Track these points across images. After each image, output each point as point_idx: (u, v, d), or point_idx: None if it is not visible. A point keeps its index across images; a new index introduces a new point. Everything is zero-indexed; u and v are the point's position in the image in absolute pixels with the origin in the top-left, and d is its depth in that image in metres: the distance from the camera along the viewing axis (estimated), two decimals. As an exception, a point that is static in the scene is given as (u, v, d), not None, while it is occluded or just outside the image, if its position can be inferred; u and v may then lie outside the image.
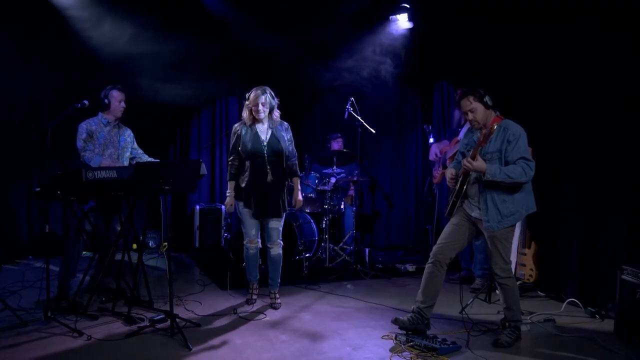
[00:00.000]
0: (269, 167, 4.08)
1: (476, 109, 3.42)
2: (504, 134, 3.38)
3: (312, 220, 5.87)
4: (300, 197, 4.37)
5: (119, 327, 3.64)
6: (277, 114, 4.18)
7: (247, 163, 4.12)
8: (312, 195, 5.96)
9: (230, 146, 4.23)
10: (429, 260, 3.57)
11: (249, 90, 4.13)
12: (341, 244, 6.05)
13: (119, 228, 4.24)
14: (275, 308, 4.19)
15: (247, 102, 4.10)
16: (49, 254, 3.77)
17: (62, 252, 4.15)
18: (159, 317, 3.62)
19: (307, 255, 5.54)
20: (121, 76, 5.24)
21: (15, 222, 6.04)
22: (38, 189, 3.61)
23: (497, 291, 3.63)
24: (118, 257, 4.15)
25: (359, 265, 5.61)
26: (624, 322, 3.58)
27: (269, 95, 4.07)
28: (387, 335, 3.55)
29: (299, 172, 4.34)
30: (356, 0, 5.90)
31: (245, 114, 4.14)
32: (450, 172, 3.60)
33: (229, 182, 4.23)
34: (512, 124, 3.42)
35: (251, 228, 4.18)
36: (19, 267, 5.49)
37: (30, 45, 5.96)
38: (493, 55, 5.31)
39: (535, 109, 4.74)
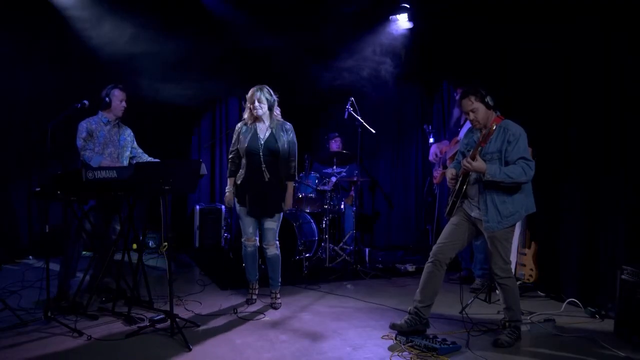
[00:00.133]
0: (264, 166, 4.09)
1: (477, 109, 3.42)
2: (504, 134, 3.38)
3: (312, 220, 5.87)
4: (290, 201, 4.25)
5: (119, 327, 3.64)
6: (277, 112, 4.19)
7: (244, 161, 4.16)
8: (312, 195, 5.96)
9: (232, 143, 4.27)
10: (429, 260, 3.57)
11: (248, 90, 4.15)
12: (341, 244, 6.05)
13: (118, 228, 4.25)
14: (275, 308, 4.19)
15: (246, 101, 4.15)
16: (49, 254, 3.76)
17: (62, 252, 4.15)
18: (159, 317, 3.62)
19: (307, 255, 5.54)
20: (121, 76, 5.23)
21: (15, 222, 6.04)
22: (38, 189, 3.61)
23: (497, 291, 3.63)
24: (118, 257, 4.15)
25: (359, 265, 5.61)
26: (624, 322, 3.58)
27: (265, 92, 4.09)
28: (387, 335, 3.55)
29: (295, 176, 4.26)
30: (356, 0, 5.90)
31: (246, 113, 4.17)
32: (450, 173, 3.60)
33: (228, 179, 4.29)
34: (512, 124, 3.42)
35: (248, 226, 4.19)
36: (19, 267, 5.49)
37: (30, 45, 5.96)
38: (493, 55, 5.31)
39: (535, 109, 4.74)
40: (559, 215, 4.61)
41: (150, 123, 6.21)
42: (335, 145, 6.64)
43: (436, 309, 3.68)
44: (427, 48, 6.52)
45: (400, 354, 3.25)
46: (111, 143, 4.27)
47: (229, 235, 6.70)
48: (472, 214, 3.50)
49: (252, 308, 4.17)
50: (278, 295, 4.30)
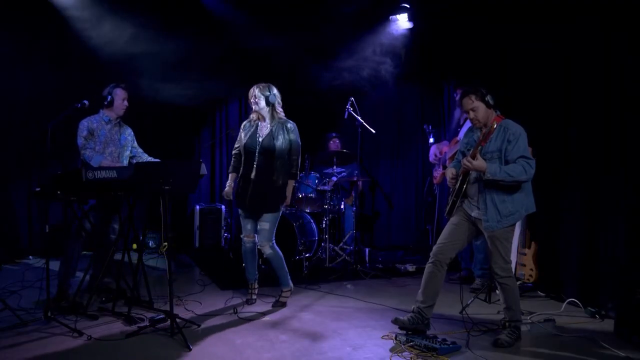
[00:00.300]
0: (255, 164, 4.13)
1: (477, 107, 3.42)
2: (504, 134, 3.38)
3: (312, 220, 5.87)
4: (289, 199, 4.23)
5: (119, 327, 3.64)
6: (279, 110, 4.19)
7: (243, 158, 4.22)
8: (312, 195, 5.97)
9: (237, 140, 4.34)
10: (429, 260, 3.57)
11: (249, 90, 4.19)
12: (341, 244, 6.05)
13: (117, 227, 4.25)
14: (281, 303, 4.21)
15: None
16: (49, 254, 3.76)
17: (62, 252, 4.15)
18: (159, 317, 3.62)
19: (307, 255, 5.54)
20: (121, 76, 5.23)
21: (15, 222, 6.05)
22: (38, 189, 3.61)
23: (497, 291, 3.62)
24: (118, 257, 4.15)
25: (359, 265, 5.61)
26: (624, 322, 3.58)
27: (262, 88, 4.14)
28: (387, 335, 3.55)
29: (296, 175, 4.24)
30: (356, 0, 5.90)
31: (253, 114, 4.25)
32: (450, 172, 3.60)
33: (229, 174, 4.36)
34: (512, 123, 3.42)
35: (247, 223, 4.23)
36: (19, 267, 5.49)
37: (30, 45, 5.97)
38: (493, 55, 5.31)
39: (535, 109, 4.74)
40: (559, 215, 4.61)
41: (150, 123, 6.22)
42: (333, 145, 6.65)
43: (436, 309, 3.67)
44: (427, 48, 6.52)
45: (400, 354, 3.25)
46: (112, 142, 4.28)
47: (229, 235, 6.70)
48: (472, 214, 3.50)
49: (252, 308, 4.17)
50: (285, 293, 4.28)
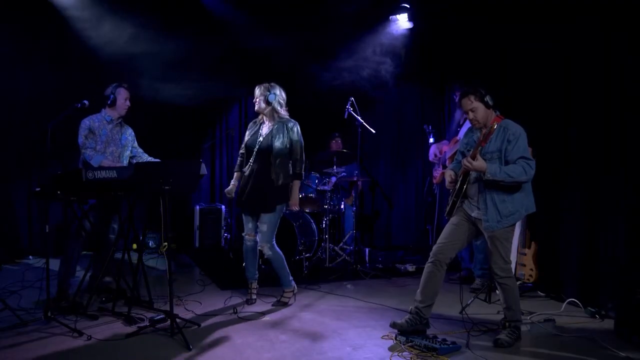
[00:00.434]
0: (251, 162, 4.16)
1: (477, 108, 3.43)
2: (504, 134, 3.38)
3: (312, 220, 5.88)
4: (294, 200, 4.20)
5: (119, 327, 3.64)
6: (279, 110, 4.19)
7: (245, 157, 4.27)
8: (312, 195, 5.96)
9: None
10: (429, 260, 3.57)
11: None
12: (341, 244, 6.05)
13: (116, 227, 4.26)
14: (282, 303, 4.21)
15: None
16: (49, 254, 3.76)
17: (62, 252, 4.16)
18: (159, 317, 3.62)
19: (307, 255, 5.54)
20: (121, 76, 5.23)
21: (15, 222, 6.05)
22: (38, 189, 3.61)
23: (497, 291, 3.62)
24: (118, 256, 4.15)
25: (359, 265, 5.61)
26: (624, 322, 3.57)
27: (262, 88, 4.16)
28: (387, 335, 3.54)
29: (300, 175, 4.22)
30: (356, 0, 5.90)
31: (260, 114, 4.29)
32: (449, 176, 3.60)
33: (235, 173, 4.39)
34: (512, 123, 3.42)
35: (247, 221, 4.25)
36: (19, 267, 5.49)
37: (30, 45, 5.96)
38: (493, 55, 5.31)
39: (535, 109, 4.74)
40: (559, 215, 4.61)
41: (150, 123, 6.21)
42: (335, 145, 6.65)
43: (436, 309, 3.67)
44: (427, 48, 6.52)
45: (400, 354, 3.25)
46: (113, 142, 4.28)
47: (229, 235, 6.70)
48: (472, 214, 3.50)
49: (252, 308, 4.17)
50: (288, 294, 4.29)
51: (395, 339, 3.45)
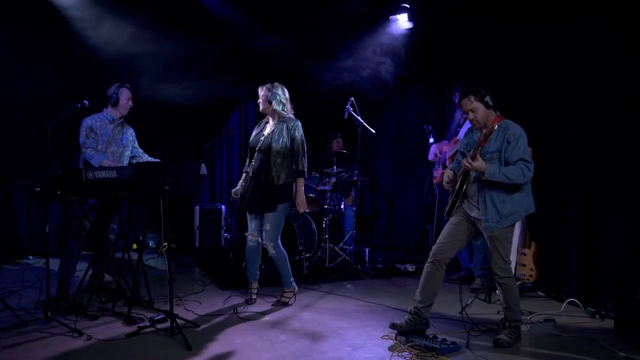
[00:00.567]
0: (254, 163, 4.19)
1: (477, 108, 3.43)
2: (504, 134, 3.38)
3: (312, 220, 5.88)
4: (300, 199, 4.16)
5: (119, 327, 3.64)
6: (281, 109, 4.18)
7: (249, 157, 4.31)
8: (312, 195, 5.96)
9: None
10: (429, 260, 3.57)
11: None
12: (341, 244, 6.05)
13: (116, 227, 4.26)
14: (282, 303, 4.22)
15: None
16: (49, 254, 3.76)
17: (62, 252, 4.16)
18: (159, 317, 3.62)
19: (307, 255, 5.54)
20: (121, 76, 5.23)
21: (15, 222, 6.05)
22: (38, 189, 3.61)
23: (497, 291, 3.62)
24: (118, 255, 4.15)
25: (359, 265, 5.61)
26: (624, 322, 3.57)
27: (264, 88, 4.19)
28: (387, 335, 3.54)
29: (303, 173, 4.15)
30: (356, 0, 5.90)
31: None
32: (447, 176, 3.60)
33: (243, 173, 4.41)
34: (512, 124, 3.42)
35: (251, 221, 4.26)
36: (19, 267, 5.49)
37: (30, 45, 5.96)
38: (493, 55, 5.31)
39: (535, 109, 4.74)
40: (559, 215, 4.61)
41: (150, 123, 6.22)
42: (336, 145, 6.66)
43: (436, 309, 3.67)
44: (427, 48, 6.52)
45: (400, 354, 3.25)
46: (114, 142, 4.28)
47: (229, 235, 6.70)
48: (472, 214, 3.50)
49: (252, 308, 4.17)
50: (288, 294, 4.29)
51: (395, 339, 3.45)
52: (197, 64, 6.40)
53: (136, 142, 4.49)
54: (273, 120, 4.22)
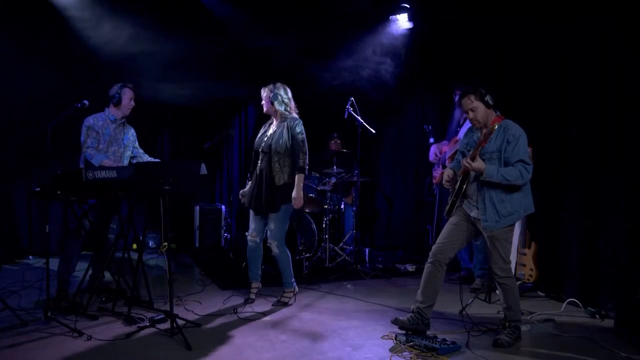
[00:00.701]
0: (259, 163, 4.21)
1: (477, 108, 3.43)
2: (503, 134, 3.38)
3: (312, 220, 5.87)
4: (297, 194, 4.09)
5: (119, 327, 3.64)
6: (283, 109, 4.19)
7: (254, 158, 4.33)
8: (312, 195, 5.96)
9: None
10: (428, 260, 3.57)
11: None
12: (341, 244, 6.05)
13: (115, 226, 4.26)
14: (282, 303, 4.22)
15: None
16: (49, 254, 3.76)
17: (62, 252, 4.15)
18: (159, 317, 3.62)
19: (307, 255, 5.54)
20: (121, 76, 5.23)
21: (15, 222, 6.04)
22: (38, 189, 3.61)
23: (497, 291, 3.63)
24: (118, 255, 4.15)
25: (359, 265, 5.61)
26: (624, 322, 3.58)
27: (266, 89, 4.20)
28: (387, 335, 3.55)
29: (303, 169, 4.11)
30: (356, 0, 5.89)
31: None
32: (447, 175, 3.60)
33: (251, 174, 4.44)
34: (512, 124, 3.43)
35: (251, 221, 4.27)
36: (19, 267, 5.49)
37: (30, 45, 5.96)
38: (493, 55, 5.31)
39: (535, 109, 4.74)
40: (559, 215, 4.61)
41: (150, 123, 6.22)
42: (334, 145, 6.65)
43: (436, 309, 3.67)
44: (427, 48, 6.52)
45: (400, 354, 3.25)
46: (115, 141, 4.29)
47: (229, 235, 6.70)
48: (471, 214, 3.50)
49: (252, 308, 4.17)
50: (288, 295, 4.29)
51: (395, 339, 3.46)
52: (197, 64, 6.40)
53: (137, 143, 4.49)
54: (276, 120, 4.24)
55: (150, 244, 6.60)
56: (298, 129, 4.14)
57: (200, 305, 4.20)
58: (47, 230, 3.78)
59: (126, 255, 4.01)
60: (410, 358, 3.20)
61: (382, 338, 3.53)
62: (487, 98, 3.42)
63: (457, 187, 3.54)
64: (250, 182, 4.35)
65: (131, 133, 4.45)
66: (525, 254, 4.73)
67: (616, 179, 4.09)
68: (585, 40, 4.35)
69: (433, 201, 5.77)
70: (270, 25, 6.21)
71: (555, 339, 3.59)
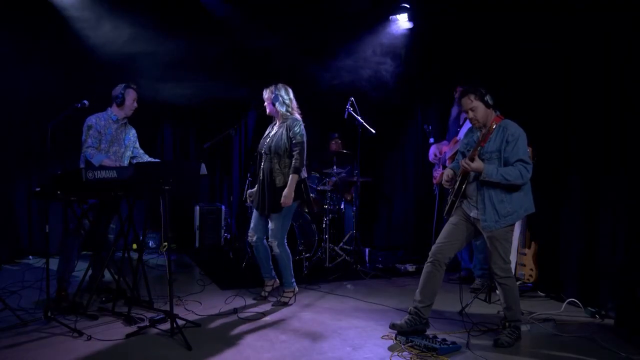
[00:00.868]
0: (262, 164, 4.23)
1: (477, 107, 3.43)
2: (503, 134, 3.39)
3: (312, 220, 5.87)
4: (287, 193, 4.04)
5: (119, 327, 3.64)
6: (284, 110, 4.19)
7: (258, 159, 4.38)
8: (312, 195, 5.96)
9: None
10: (428, 260, 3.57)
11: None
12: (341, 244, 6.05)
13: (114, 226, 4.26)
14: (282, 302, 4.23)
15: None
16: (49, 254, 3.76)
17: (62, 252, 4.15)
18: (159, 317, 3.62)
19: (307, 255, 5.54)
20: (121, 76, 5.23)
21: (15, 222, 6.05)
22: (38, 189, 3.61)
23: (497, 291, 3.63)
24: (118, 255, 4.15)
25: (359, 265, 5.61)
26: (624, 322, 3.58)
27: (267, 90, 4.22)
28: (387, 335, 3.55)
29: (298, 169, 4.08)
30: (356, 0, 5.89)
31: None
32: (447, 175, 3.60)
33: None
34: (511, 124, 3.43)
35: (253, 220, 4.32)
36: (19, 267, 5.50)
37: (30, 45, 5.96)
38: (493, 55, 5.31)
39: (535, 109, 4.74)
40: (559, 215, 4.61)
41: (150, 123, 6.22)
42: (334, 145, 6.65)
43: (436, 309, 3.68)
44: (427, 48, 6.52)
45: (400, 354, 3.25)
46: (117, 141, 4.29)
47: (229, 235, 6.70)
48: (471, 214, 3.50)
49: (253, 308, 4.17)
50: (286, 294, 4.29)
51: (395, 339, 3.46)
52: (197, 64, 6.40)
53: (137, 143, 4.50)
54: (279, 121, 4.25)
55: (150, 244, 6.60)
56: (297, 130, 4.13)
57: (200, 306, 4.20)
58: (47, 230, 3.78)
59: (126, 255, 4.02)
60: (410, 358, 3.20)
61: (382, 338, 3.53)
62: (487, 98, 3.42)
63: (456, 187, 3.54)
64: (256, 184, 4.37)
65: (132, 133, 4.45)
66: (525, 254, 4.73)
67: (616, 179, 4.09)
68: (585, 40, 4.35)
69: (433, 201, 5.77)
70: (270, 25, 6.22)
71: (555, 339, 3.59)
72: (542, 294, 4.67)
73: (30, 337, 3.41)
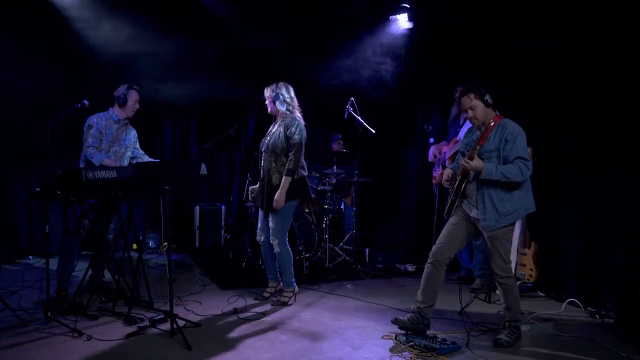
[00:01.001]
0: (262, 163, 4.25)
1: (476, 106, 3.44)
2: (502, 133, 3.39)
3: (312, 220, 5.87)
4: (278, 197, 4.03)
5: (119, 327, 3.64)
6: (284, 109, 4.19)
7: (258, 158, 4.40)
8: (313, 195, 5.96)
9: None
10: (428, 260, 3.57)
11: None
12: (341, 244, 6.05)
13: (113, 226, 4.26)
14: (282, 302, 4.23)
15: None
16: (49, 254, 3.76)
17: (62, 252, 4.15)
18: (159, 317, 3.62)
19: (307, 255, 5.54)
20: (120, 76, 5.24)
21: (15, 222, 6.04)
22: (38, 189, 3.61)
23: (497, 291, 3.63)
24: (118, 255, 4.15)
25: (359, 265, 5.61)
26: (624, 322, 3.58)
27: (268, 89, 4.24)
28: (387, 335, 3.55)
29: (292, 172, 4.06)
30: (356, 0, 5.89)
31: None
32: (446, 174, 3.60)
33: None
34: (510, 123, 3.43)
35: (259, 220, 4.34)
36: (19, 267, 5.49)
37: (30, 45, 5.96)
38: (493, 55, 5.31)
39: (535, 109, 4.74)
40: (559, 215, 4.61)
41: (150, 123, 6.22)
42: (336, 146, 6.65)
43: (436, 309, 3.67)
44: (427, 48, 6.52)
45: (400, 354, 3.25)
46: (117, 142, 4.29)
47: (229, 235, 6.70)
48: (471, 214, 3.50)
49: (253, 308, 4.17)
50: (287, 294, 4.29)
51: (395, 339, 3.46)
52: (197, 64, 6.40)
53: (138, 144, 4.50)
54: (279, 120, 4.26)
55: (150, 244, 6.60)
56: (293, 129, 4.10)
57: (200, 306, 4.20)
58: (47, 230, 3.79)
59: (126, 255, 4.02)
60: (410, 358, 3.20)
61: (382, 338, 3.53)
62: (487, 97, 3.43)
63: (456, 186, 3.54)
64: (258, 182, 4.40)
65: (133, 134, 4.45)
66: (525, 254, 4.73)
67: (616, 179, 4.09)
68: (585, 41, 4.35)
69: (433, 201, 5.77)
70: (270, 25, 6.22)
71: (555, 339, 3.59)
72: (542, 294, 4.67)
73: (30, 337, 3.41)
